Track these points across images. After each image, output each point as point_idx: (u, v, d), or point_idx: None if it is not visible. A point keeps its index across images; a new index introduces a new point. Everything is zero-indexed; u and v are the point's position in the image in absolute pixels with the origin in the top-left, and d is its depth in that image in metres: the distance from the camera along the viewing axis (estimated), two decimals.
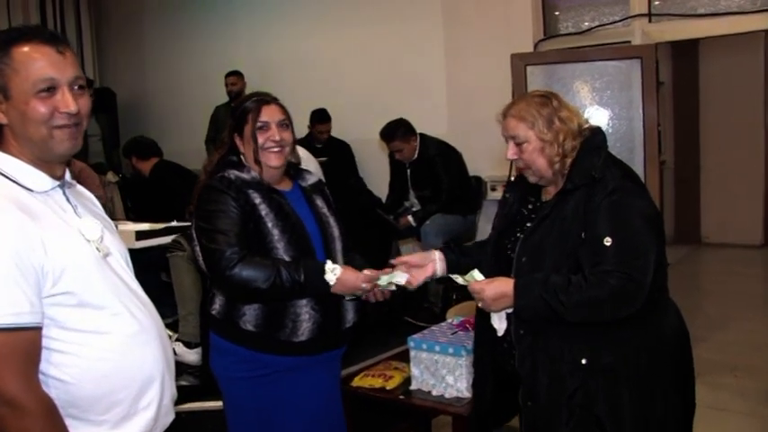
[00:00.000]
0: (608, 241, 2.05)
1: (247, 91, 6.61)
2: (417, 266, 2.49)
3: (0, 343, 1.42)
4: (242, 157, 2.50)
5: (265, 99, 2.51)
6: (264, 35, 7.78)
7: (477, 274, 2.30)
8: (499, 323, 2.27)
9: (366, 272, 2.40)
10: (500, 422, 2.52)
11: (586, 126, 2.25)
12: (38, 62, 1.54)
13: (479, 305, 2.29)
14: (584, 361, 2.12)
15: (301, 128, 5.79)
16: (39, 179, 1.59)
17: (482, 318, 2.41)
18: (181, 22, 8.44)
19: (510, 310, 2.22)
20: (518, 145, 2.24)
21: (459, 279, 2.35)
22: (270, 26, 7.78)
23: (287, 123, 2.52)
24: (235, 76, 7.36)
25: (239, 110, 2.51)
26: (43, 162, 1.61)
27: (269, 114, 2.48)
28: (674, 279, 2.36)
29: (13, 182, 1.56)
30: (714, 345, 5.09)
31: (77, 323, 1.55)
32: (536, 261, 2.18)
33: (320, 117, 6.79)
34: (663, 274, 2.23)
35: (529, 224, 2.30)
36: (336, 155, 6.62)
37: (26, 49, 1.54)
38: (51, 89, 1.56)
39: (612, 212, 2.07)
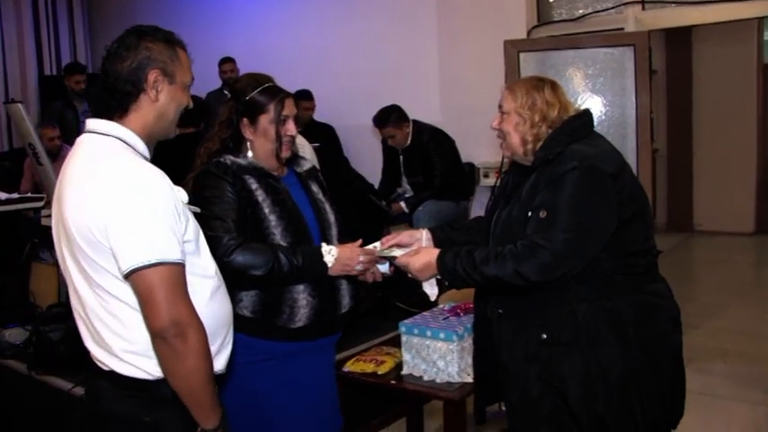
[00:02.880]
0: (543, 214, 2.10)
1: None
2: (405, 246, 2.54)
3: (171, 273, 1.70)
4: (247, 143, 2.48)
5: (285, 91, 2.51)
6: (257, 22, 7.75)
7: (397, 251, 2.45)
8: (430, 290, 2.41)
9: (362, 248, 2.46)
10: (499, 398, 2.54)
11: (567, 117, 2.27)
12: (189, 65, 1.94)
13: (409, 276, 2.42)
14: (544, 335, 2.19)
15: None
16: (145, 149, 1.88)
17: (478, 297, 2.48)
18: (173, 8, 8.40)
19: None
20: (502, 115, 2.34)
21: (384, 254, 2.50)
22: (262, 13, 7.75)
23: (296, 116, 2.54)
24: (230, 63, 7.32)
25: (249, 97, 2.46)
26: (151, 137, 1.91)
27: (289, 108, 2.49)
28: (666, 266, 2.37)
29: (136, 151, 1.83)
30: (705, 331, 5.13)
31: (192, 267, 1.80)
32: (505, 236, 2.24)
33: (302, 95, 6.50)
34: (642, 259, 2.22)
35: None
36: (320, 138, 6.56)
37: (184, 52, 1.93)
38: None
39: (555, 187, 2.11)
